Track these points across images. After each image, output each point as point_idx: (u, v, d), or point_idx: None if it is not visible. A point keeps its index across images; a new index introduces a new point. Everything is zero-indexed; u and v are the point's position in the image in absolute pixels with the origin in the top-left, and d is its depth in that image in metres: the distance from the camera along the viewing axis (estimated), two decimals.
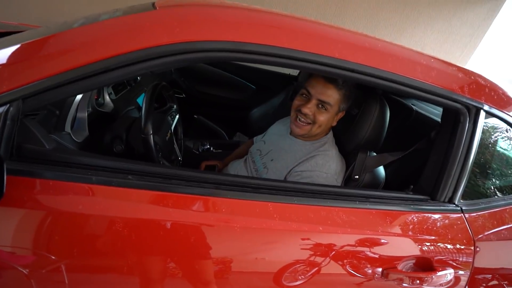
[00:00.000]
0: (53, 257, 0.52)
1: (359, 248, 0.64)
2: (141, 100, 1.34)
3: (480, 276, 0.79)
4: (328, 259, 0.63)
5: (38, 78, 0.47)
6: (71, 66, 0.49)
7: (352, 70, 0.61)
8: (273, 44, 0.57)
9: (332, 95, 0.85)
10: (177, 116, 1.15)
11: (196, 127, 1.84)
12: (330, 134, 0.96)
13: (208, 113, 2.00)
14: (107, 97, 1.11)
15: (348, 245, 0.64)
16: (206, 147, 1.47)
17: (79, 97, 0.79)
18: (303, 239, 0.61)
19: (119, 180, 0.53)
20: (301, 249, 0.61)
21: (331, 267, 0.63)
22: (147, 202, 0.54)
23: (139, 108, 1.22)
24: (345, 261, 0.64)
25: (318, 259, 0.62)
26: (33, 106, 0.49)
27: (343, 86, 0.86)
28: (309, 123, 0.87)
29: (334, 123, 0.91)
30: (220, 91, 2.04)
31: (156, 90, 0.90)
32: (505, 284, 0.84)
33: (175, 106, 1.14)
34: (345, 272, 0.65)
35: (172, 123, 1.10)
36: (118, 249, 0.54)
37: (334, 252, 0.63)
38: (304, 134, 0.90)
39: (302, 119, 0.88)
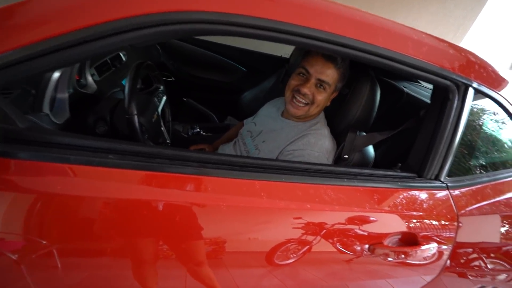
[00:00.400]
0: (41, 241, 0.50)
1: (347, 226, 0.65)
2: None
3: (461, 250, 0.81)
4: (317, 237, 0.63)
5: (4, 50, 0.44)
6: (40, 37, 0.45)
7: (343, 45, 0.59)
8: (260, 16, 0.54)
9: (331, 74, 0.83)
10: (164, 98, 1.12)
11: (186, 110, 1.80)
12: (322, 114, 0.95)
13: (199, 96, 1.96)
14: (89, 78, 1.06)
15: (337, 223, 0.64)
16: (196, 130, 1.45)
17: (55, 76, 0.75)
18: (293, 218, 0.60)
19: (99, 160, 0.51)
20: (291, 228, 0.61)
21: (321, 245, 0.64)
22: (129, 182, 0.52)
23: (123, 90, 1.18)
24: (334, 238, 0.65)
25: (308, 238, 0.62)
26: (3, 81, 0.46)
27: (342, 65, 0.84)
28: (307, 104, 0.86)
29: (328, 103, 0.90)
30: (210, 74, 1.99)
31: (139, 69, 0.86)
32: (483, 256, 0.88)
33: (161, 87, 1.10)
34: (334, 250, 0.66)
35: (159, 105, 1.06)
36: (102, 230, 0.52)
37: (323, 230, 0.63)
38: (301, 115, 0.89)
39: (300, 99, 0.85)
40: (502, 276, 0.96)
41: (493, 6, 2.85)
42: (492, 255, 0.89)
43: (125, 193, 0.52)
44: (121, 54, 1.33)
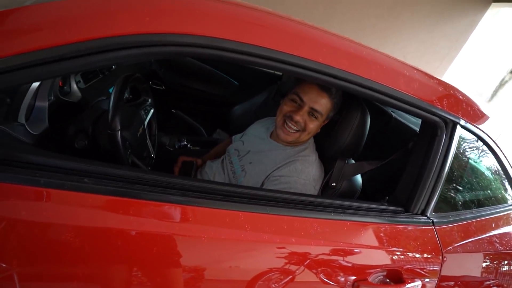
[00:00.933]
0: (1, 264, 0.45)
1: (332, 258, 0.63)
2: None
3: (444, 283, 0.81)
4: (300, 267, 0.60)
5: None
6: (17, 51, 0.42)
7: (335, 77, 0.58)
8: (253, 43, 0.53)
9: (324, 104, 0.83)
10: (152, 111, 1.08)
11: (174, 122, 1.76)
12: (311, 140, 0.94)
13: (188, 107, 1.93)
14: (74, 86, 1.02)
15: (321, 254, 0.62)
16: (183, 143, 1.41)
17: (35, 84, 0.71)
18: (277, 248, 0.58)
19: (73, 184, 0.47)
20: (274, 258, 0.58)
21: (304, 276, 0.61)
22: (104, 208, 0.49)
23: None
24: (318, 269, 0.62)
25: (291, 268, 0.59)
26: None
27: (336, 95, 0.84)
28: (298, 131, 0.85)
29: (318, 130, 0.89)
30: (201, 85, 1.97)
31: (127, 82, 0.83)
32: None
33: (150, 100, 1.07)
34: (317, 281, 0.63)
35: (146, 118, 1.03)
36: (70, 257, 0.48)
37: (307, 261, 0.60)
38: (291, 141, 0.88)
39: (292, 126, 0.85)
40: None
41: (476, 39, 3.01)
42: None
43: (99, 221, 0.48)
44: None
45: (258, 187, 0.79)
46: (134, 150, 0.87)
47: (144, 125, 0.99)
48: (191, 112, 1.88)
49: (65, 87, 0.99)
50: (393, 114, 1.38)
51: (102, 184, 0.49)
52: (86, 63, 0.46)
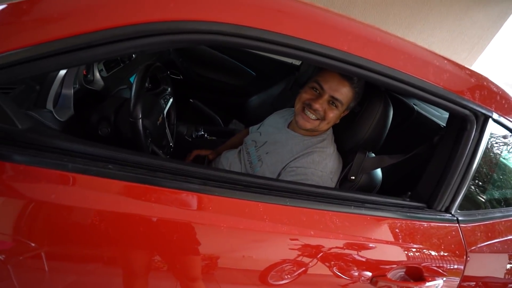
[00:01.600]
0: (30, 244, 0.48)
1: (350, 252, 0.62)
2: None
3: (465, 284, 0.78)
4: (316, 260, 0.60)
5: (6, 49, 0.41)
6: (46, 39, 0.43)
7: (361, 66, 0.56)
8: (276, 31, 0.51)
9: (345, 93, 0.81)
10: (171, 100, 1.09)
11: (191, 111, 1.78)
12: (330, 131, 0.92)
13: (205, 97, 1.94)
14: (97, 74, 1.04)
15: (340, 248, 0.61)
16: (200, 133, 1.42)
17: (62, 72, 0.73)
18: (290, 239, 0.58)
19: (98, 169, 0.48)
20: (290, 249, 0.58)
21: (319, 269, 0.61)
22: (127, 195, 0.50)
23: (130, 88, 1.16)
24: (336, 263, 0.62)
25: (306, 260, 0.59)
26: (3, 80, 0.44)
27: (358, 84, 0.81)
28: (318, 119, 0.83)
29: (338, 121, 0.87)
30: (219, 75, 1.97)
31: (148, 71, 0.84)
32: None
33: (169, 89, 1.08)
34: (337, 275, 0.63)
35: (165, 107, 1.04)
36: (95, 242, 0.50)
37: (322, 253, 0.60)
38: (310, 129, 0.86)
39: (311, 114, 0.83)
40: None
41: (510, 28, 2.80)
42: None
43: (122, 206, 0.49)
44: None
45: (277, 179, 0.78)
46: (154, 139, 0.89)
47: (163, 114, 1.00)
48: (208, 102, 1.89)
49: (88, 76, 1.02)
50: (415, 107, 1.32)
51: (126, 170, 0.50)
52: (111, 50, 0.46)
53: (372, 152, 0.92)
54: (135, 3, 0.48)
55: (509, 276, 0.85)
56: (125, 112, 0.83)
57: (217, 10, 0.49)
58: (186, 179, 0.53)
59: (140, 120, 0.75)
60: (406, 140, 1.06)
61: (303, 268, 0.60)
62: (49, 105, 0.72)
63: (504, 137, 0.78)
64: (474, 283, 0.81)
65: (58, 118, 0.75)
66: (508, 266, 0.84)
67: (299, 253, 0.59)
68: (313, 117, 0.83)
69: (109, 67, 1.13)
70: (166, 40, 0.48)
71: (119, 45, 0.47)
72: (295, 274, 0.60)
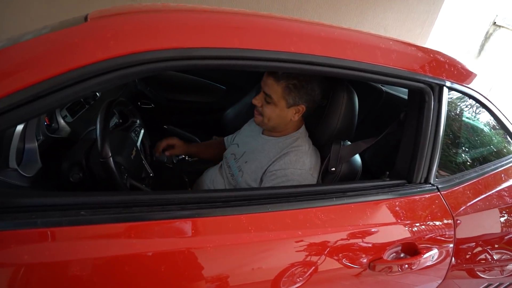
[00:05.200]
0: None
1: (343, 243, 0.62)
2: None
3: (464, 246, 0.80)
4: (314, 259, 0.60)
5: None
6: None
7: (311, 63, 0.58)
8: (223, 46, 0.52)
9: (273, 88, 0.82)
10: (142, 131, 1.08)
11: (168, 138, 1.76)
12: (302, 129, 0.93)
13: (181, 120, 1.93)
14: (61, 121, 1.02)
15: (331, 242, 0.61)
16: (181, 157, 1.41)
17: (19, 127, 0.71)
18: (291, 245, 0.58)
19: (70, 219, 0.47)
20: (285, 256, 0.58)
21: (320, 265, 0.61)
22: (106, 237, 0.49)
23: None
24: (331, 257, 0.62)
25: (303, 261, 0.59)
26: None
27: (282, 78, 0.80)
28: (260, 114, 0.88)
29: (295, 118, 0.87)
30: (190, 96, 1.97)
31: (110, 108, 0.83)
32: (488, 248, 0.87)
33: (138, 121, 1.07)
34: (334, 268, 0.63)
35: (138, 139, 1.03)
36: None
37: (319, 252, 0.60)
38: (259, 124, 0.91)
39: (255, 111, 0.89)
40: (510, 266, 0.95)
41: None
42: (496, 245, 0.88)
43: (102, 250, 0.48)
44: None
45: (255, 187, 0.79)
46: (131, 173, 0.87)
47: (136, 146, 0.99)
48: (185, 124, 1.88)
49: (52, 124, 0.99)
50: (383, 88, 1.37)
51: (100, 213, 0.49)
52: (64, 96, 0.46)
53: (348, 141, 0.95)
54: (76, 47, 0.48)
55: (504, 228, 0.87)
56: (96, 153, 0.81)
57: (160, 38, 0.50)
58: (164, 208, 0.52)
59: (111, 158, 0.73)
60: (382, 123, 1.09)
61: (302, 270, 0.60)
62: (12, 163, 0.69)
63: (461, 100, 0.82)
64: (474, 243, 0.83)
65: (25, 175, 0.72)
66: (499, 219, 0.87)
67: (295, 255, 0.58)
68: (256, 113, 0.89)
69: (74, 111, 1.11)
70: (119, 75, 0.49)
71: (71, 89, 0.46)
72: (293, 278, 0.60)
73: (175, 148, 1.14)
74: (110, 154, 0.73)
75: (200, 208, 0.53)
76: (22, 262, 0.44)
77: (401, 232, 0.68)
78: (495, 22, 3.23)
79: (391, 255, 0.67)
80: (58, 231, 0.46)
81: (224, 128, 1.93)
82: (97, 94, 1.30)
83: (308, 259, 0.59)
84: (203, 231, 0.52)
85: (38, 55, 0.47)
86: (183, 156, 1.42)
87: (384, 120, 1.11)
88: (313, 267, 0.60)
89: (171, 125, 1.77)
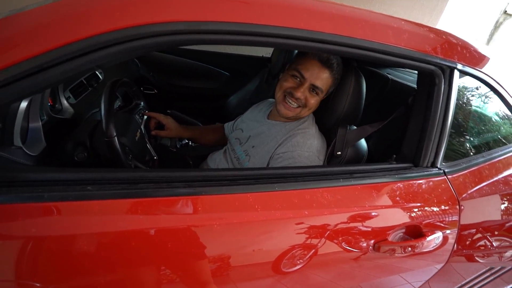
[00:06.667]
0: (34, 284, 0.46)
1: (349, 225, 0.62)
2: None
3: (465, 232, 0.80)
4: (320, 240, 0.60)
5: None
6: None
7: (321, 41, 0.56)
8: (232, 21, 0.51)
9: (326, 80, 0.82)
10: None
11: None
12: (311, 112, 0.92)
13: (184, 106, 1.92)
14: (65, 102, 1.01)
15: (338, 224, 0.61)
16: (184, 142, 1.41)
17: (23, 105, 0.70)
18: (295, 224, 0.58)
19: (77, 194, 0.47)
20: (293, 234, 0.58)
21: (325, 248, 0.61)
22: (112, 212, 0.48)
23: None
24: (337, 239, 0.62)
25: (311, 242, 0.59)
26: None
27: (337, 71, 0.82)
28: (299, 106, 0.84)
29: (318, 105, 0.88)
30: (193, 82, 1.95)
31: (115, 87, 0.82)
32: (488, 235, 0.87)
33: (142, 103, 1.06)
34: (339, 250, 0.63)
35: (142, 121, 1.02)
36: (92, 269, 0.48)
37: (325, 233, 0.60)
38: (292, 116, 0.87)
39: (293, 102, 0.84)
40: (509, 253, 0.95)
41: None
42: (496, 232, 0.88)
43: (109, 225, 0.48)
44: (97, 72, 1.28)
45: (262, 167, 0.78)
46: (135, 155, 0.87)
47: (141, 129, 0.98)
48: (188, 110, 1.86)
49: (56, 105, 0.99)
50: (389, 76, 1.35)
51: (106, 189, 0.49)
52: (68, 69, 0.45)
53: (354, 125, 0.94)
54: (83, 17, 0.46)
55: (506, 215, 0.87)
56: (100, 133, 0.81)
57: (167, 10, 0.48)
58: (169, 185, 0.52)
59: (116, 138, 0.73)
60: (387, 110, 1.08)
61: (308, 250, 0.60)
62: (17, 141, 0.69)
63: (472, 84, 0.81)
64: (474, 229, 0.83)
65: (30, 153, 0.72)
66: (502, 206, 0.87)
67: (302, 235, 0.59)
68: (295, 105, 0.84)
69: (77, 93, 1.10)
70: (124, 49, 0.47)
71: (74, 62, 0.45)
72: (300, 258, 0.60)
73: (167, 129, 1.09)
74: (115, 134, 0.73)
75: (207, 186, 0.53)
76: (30, 235, 0.44)
77: (406, 215, 0.68)
78: (505, 11, 3.14)
79: (396, 237, 0.67)
80: (64, 205, 0.46)
81: (227, 114, 1.92)
82: (100, 76, 1.29)
83: (312, 240, 0.59)
84: (209, 209, 0.52)
85: (41, 25, 0.45)
86: (186, 141, 1.41)
87: (389, 108, 1.09)
88: (317, 245, 0.61)
89: (175, 110, 1.76)
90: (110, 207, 0.48)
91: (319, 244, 0.60)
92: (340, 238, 0.62)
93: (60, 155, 0.80)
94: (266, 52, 1.96)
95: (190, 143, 1.40)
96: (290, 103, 0.83)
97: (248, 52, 2.00)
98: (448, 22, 2.94)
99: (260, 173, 0.58)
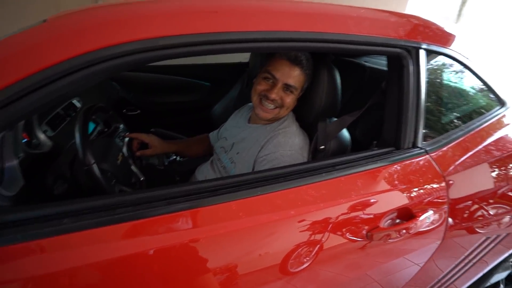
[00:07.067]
0: None
1: (337, 217, 0.62)
2: (88, 129, 1.22)
3: (461, 205, 0.81)
4: (310, 238, 0.59)
5: None
6: None
7: (282, 40, 0.57)
8: (188, 33, 0.51)
9: (298, 77, 0.82)
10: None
11: None
12: (289, 111, 0.92)
13: (170, 122, 1.91)
14: (42, 136, 0.99)
15: (326, 218, 0.61)
16: (171, 158, 1.39)
17: None
18: (280, 227, 0.57)
19: (52, 229, 0.45)
20: (280, 239, 0.57)
21: (318, 244, 0.61)
22: (92, 243, 0.47)
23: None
24: (329, 234, 0.61)
25: (299, 242, 0.58)
26: None
27: (308, 67, 0.83)
28: (277, 107, 0.84)
29: (296, 103, 0.88)
30: (175, 97, 1.94)
31: (88, 115, 0.81)
32: (483, 205, 0.87)
33: (121, 126, 1.05)
34: (334, 244, 0.63)
35: (123, 144, 1.01)
36: None
37: (314, 229, 0.59)
38: (271, 118, 0.87)
39: (269, 104, 0.84)
40: (506, 219, 0.96)
41: None
42: (490, 201, 0.89)
43: (91, 257, 0.47)
44: (74, 101, 1.26)
45: (243, 173, 0.78)
46: (119, 179, 0.86)
47: (123, 152, 0.97)
48: (174, 125, 1.85)
49: (33, 140, 0.96)
50: (366, 64, 1.36)
51: (83, 219, 0.47)
52: (27, 104, 0.44)
53: (334, 118, 0.94)
54: (35, 49, 0.46)
55: (495, 183, 0.88)
56: (80, 162, 0.79)
57: (122, 31, 0.48)
58: (149, 205, 0.51)
59: (94, 165, 0.72)
60: (369, 98, 1.09)
61: (301, 250, 0.59)
62: None
63: (441, 61, 0.82)
64: (466, 202, 0.83)
65: (8, 194, 0.70)
66: (488, 175, 0.88)
67: (287, 238, 0.58)
68: (272, 106, 0.84)
69: (54, 125, 1.08)
70: (85, 75, 0.47)
71: (30, 97, 0.44)
72: (294, 260, 0.59)
73: (151, 147, 1.08)
74: (93, 161, 0.71)
75: (187, 201, 0.52)
76: (5, 280, 0.43)
77: (395, 199, 0.68)
78: None
79: (389, 222, 0.67)
80: (40, 243, 0.45)
81: (213, 124, 1.90)
82: (77, 104, 1.27)
83: (304, 237, 0.59)
84: (193, 224, 0.51)
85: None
86: (174, 157, 1.40)
87: (371, 95, 1.10)
88: (312, 245, 0.60)
89: (159, 128, 1.75)
90: (89, 238, 0.47)
91: (310, 242, 0.60)
92: (332, 232, 0.62)
93: (41, 190, 0.78)
94: (244, 57, 1.97)
95: (177, 158, 1.39)
96: (267, 105, 0.84)
97: (226, 60, 2.01)
98: (416, 4, 3.01)
99: (241, 179, 0.57)
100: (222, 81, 1.97)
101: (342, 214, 0.62)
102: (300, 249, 0.58)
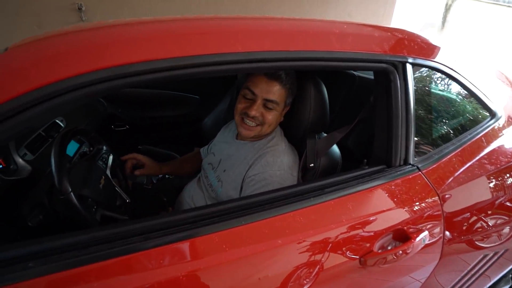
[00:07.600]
0: None
1: (329, 243, 0.58)
2: (71, 151, 1.17)
3: (459, 218, 0.78)
4: (302, 268, 0.56)
5: None
6: None
7: (262, 60, 0.54)
8: (161, 58, 0.48)
9: (278, 92, 0.79)
10: (111, 157, 1.02)
11: None
12: (277, 128, 0.90)
13: (159, 136, 1.87)
14: (20, 161, 0.94)
15: (316, 244, 0.57)
16: (160, 176, 1.35)
17: None
18: (268, 258, 0.54)
19: (16, 275, 0.41)
20: (267, 270, 0.54)
21: (311, 271, 0.57)
22: (61, 286, 0.43)
23: (69, 161, 1.07)
24: (319, 260, 0.58)
25: (288, 271, 0.55)
26: None
27: (287, 81, 0.80)
28: (258, 125, 0.81)
29: (282, 119, 0.86)
30: (164, 111, 1.91)
31: (65, 139, 0.77)
32: (482, 216, 0.85)
33: (104, 147, 1.01)
34: (328, 266, 0.59)
35: (106, 166, 0.97)
36: None
37: (304, 258, 0.56)
38: (255, 136, 0.84)
39: (250, 122, 0.81)
40: (506, 230, 0.93)
41: None
42: (489, 212, 0.87)
43: None
44: (57, 120, 1.22)
45: (225, 201, 0.75)
46: (101, 204, 0.81)
47: (106, 174, 0.93)
48: (164, 139, 1.82)
49: (11, 166, 0.92)
50: (355, 73, 1.36)
51: (52, 261, 0.44)
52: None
53: (325, 132, 0.92)
54: (21, 72, 0.43)
55: (490, 195, 0.86)
56: (57, 191, 0.75)
57: (89, 59, 0.45)
58: (125, 241, 0.47)
59: (71, 193, 0.68)
60: (360, 107, 1.07)
61: (292, 279, 0.56)
62: None
63: (428, 75, 0.81)
64: (468, 213, 0.80)
65: None
66: (484, 187, 0.86)
67: (276, 268, 0.54)
68: (253, 124, 0.81)
69: (34, 148, 1.04)
70: (49, 107, 0.44)
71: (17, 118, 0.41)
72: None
73: (145, 168, 1.06)
74: (70, 189, 0.67)
75: (165, 235, 0.48)
76: None
77: (388, 220, 0.65)
78: None
79: (382, 245, 0.64)
80: None
81: (204, 137, 1.88)
82: (62, 124, 1.23)
83: (293, 266, 0.55)
84: (171, 260, 0.47)
85: None
86: (162, 175, 1.36)
87: (362, 105, 1.09)
88: (303, 272, 0.57)
89: (149, 144, 1.71)
90: (58, 282, 0.43)
91: (302, 271, 0.56)
92: (323, 260, 0.58)
93: (16, 222, 0.73)
94: None
95: (166, 176, 1.35)
96: (248, 122, 0.81)
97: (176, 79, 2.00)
98: (402, 12, 3.06)
99: (224, 208, 0.54)
100: (211, 94, 1.95)
101: (333, 240, 0.58)
102: (291, 281, 0.54)
